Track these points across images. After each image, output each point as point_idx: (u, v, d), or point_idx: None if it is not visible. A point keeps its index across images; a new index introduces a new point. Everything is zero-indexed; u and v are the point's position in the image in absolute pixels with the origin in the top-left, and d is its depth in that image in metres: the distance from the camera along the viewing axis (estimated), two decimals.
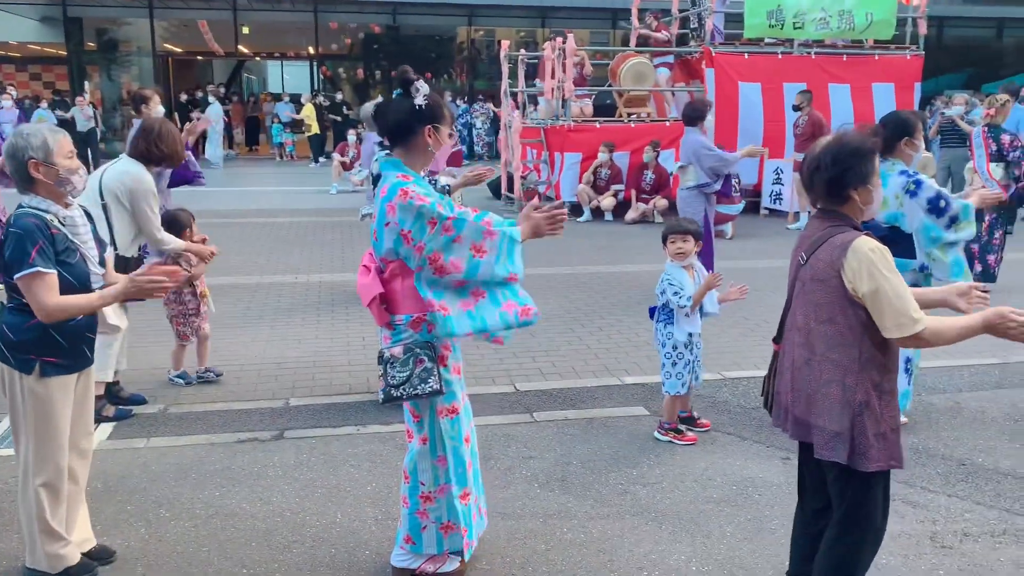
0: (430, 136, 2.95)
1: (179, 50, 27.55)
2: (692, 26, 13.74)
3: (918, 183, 4.36)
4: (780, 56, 12.63)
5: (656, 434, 4.58)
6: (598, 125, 12.92)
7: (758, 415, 4.91)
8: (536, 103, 14.32)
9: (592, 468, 4.22)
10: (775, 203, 12.38)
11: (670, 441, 4.51)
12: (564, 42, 12.45)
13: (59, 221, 2.95)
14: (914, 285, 4.51)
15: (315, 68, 26.62)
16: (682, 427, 4.58)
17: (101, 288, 3.06)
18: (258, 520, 3.69)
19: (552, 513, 3.76)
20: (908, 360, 4.60)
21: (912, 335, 2.45)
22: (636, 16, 14.87)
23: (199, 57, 28.72)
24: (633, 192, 12.29)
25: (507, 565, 3.34)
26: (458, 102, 22.38)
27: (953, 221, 4.34)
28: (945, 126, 11.84)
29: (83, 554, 3.23)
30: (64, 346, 2.99)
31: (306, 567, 3.33)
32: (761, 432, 4.66)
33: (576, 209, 12.45)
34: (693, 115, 7.68)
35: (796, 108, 11.37)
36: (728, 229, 10.81)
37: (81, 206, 3.15)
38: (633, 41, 14.80)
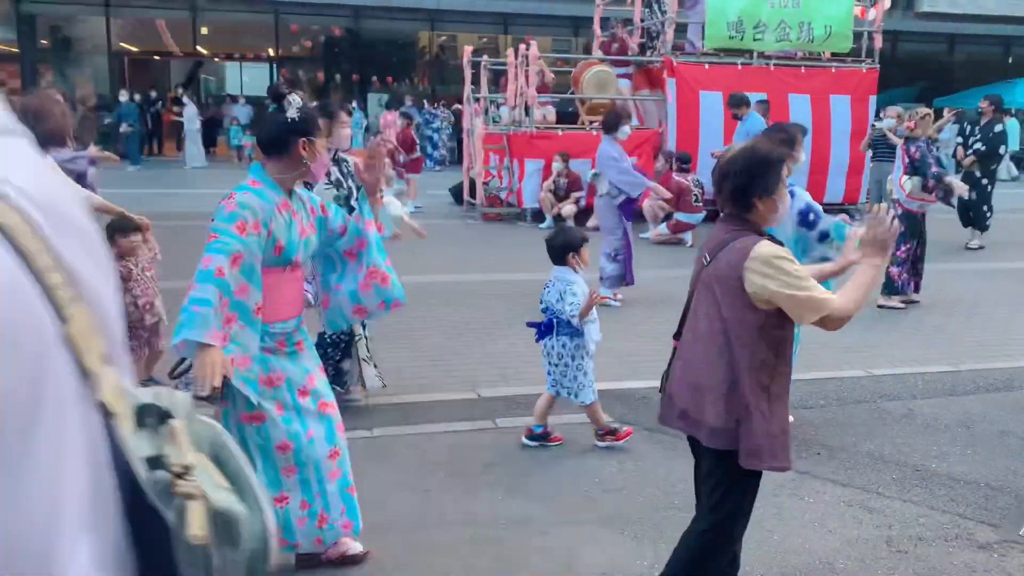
0: (304, 149, 3.03)
1: (135, 49, 27.09)
2: (653, 35, 13.87)
3: (791, 194, 4.46)
4: (740, 67, 12.82)
5: (596, 444, 4.55)
6: (560, 132, 12.97)
7: None
8: (497, 108, 14.36)
9: (555, 475, 4.23)
10: None
11: (609, 446, 4.51)
12: (527, 49, 12.50)
13: None
14: None
15: (275, 70, 26.37)
16: (615, 425, 4.59)
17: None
18: None
19: (515, 520, 3.76)
20: None
21: (826, 315, 2.56)
22: (598, 24, 14.98)
23: (156, 57, 28.27)
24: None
25: (470, 572, 3.33)
26: (423, 108, 22.26)
27: (824, 236, 4.41)
28: (877, 140, 11.65)
29: None
30: None
31: None
32: None
33: (538, 215, 12.48)
34: (608, 123, 7.74)
35: (621, 121, 11.04)
36: (688, 237, 10.92)
37: None
38: (595, 50, 14.90)
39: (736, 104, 10.27)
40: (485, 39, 26.07)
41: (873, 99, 13.28)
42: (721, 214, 2.83)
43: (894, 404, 5.31)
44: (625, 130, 7.64)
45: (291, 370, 3.12)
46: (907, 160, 7.86)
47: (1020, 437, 4.81)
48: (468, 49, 14.66)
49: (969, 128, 11.19)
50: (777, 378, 2.66)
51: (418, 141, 15.72)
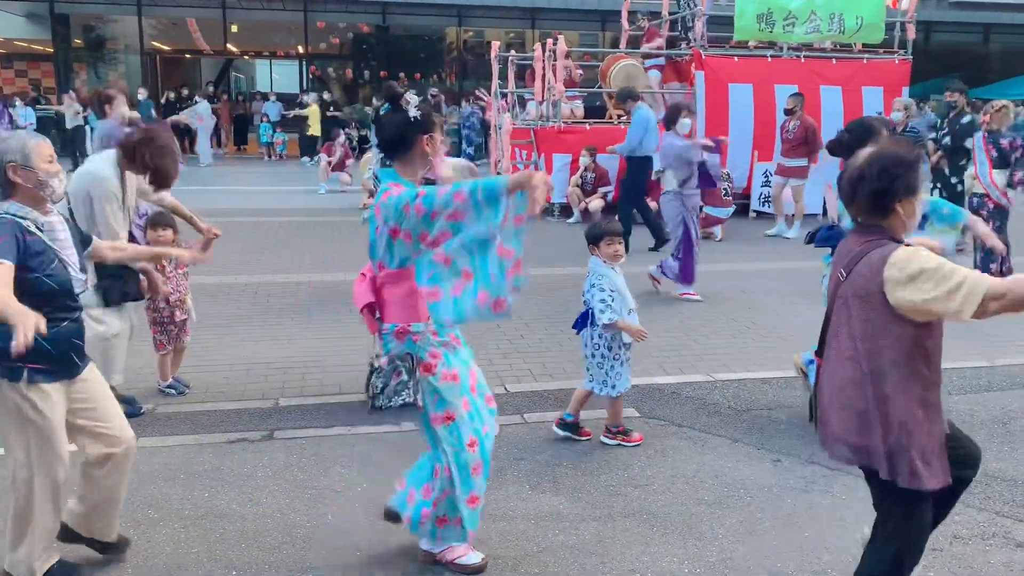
0: (427, 145, 3.09)
1: (167, 48, 27.43)
2: (683, 28, 13.76)
3: None
4: (770, 59, 12.67)
5: (603, 439, 4.53)
6: (588, 127, 12.91)
7: (749, 417, 4.92)
8: (524, 105, 14.33)
9: (583, 470, 4.21)
10: (764, 206, 12.41)
11: (619, 444, 4.48)
12: (555, 44, 12.46)
13: (37, 227, 2.93)
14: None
15: (304, 67, 26.55)
16: (629, 428, 4.56)
17: (82, 294, 3.07)
18: (248, 521, 3.66)
19: (543, 515, 3.75)
20: None
21: (981, 305, 2.28)
22: (626, 18, 14.90)
23: (187, 55, 28.61)
24: None
25: (499, 567, 3.33)
26: (459, 104, 22.03)
27: (921, 220, 4.37)
28: None
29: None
30: (52, 353, 2.94)
31: (296, 568, 3.31)
32: (752, 434, 4.66)
33: (566, 210, 12.44)
34: (669, 118, 7.72)
35: (788, 112, 11.24)
36: (718, 232, 10.83)
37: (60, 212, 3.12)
38: (623, 43, 14.82)
39: (623, 99, 10.34)
40: (512, 34, 26.06)
41: (906, 90, 13.05)
42: (855, 223, 2.67)
43: None
44: (685, 123, 7.64)
45: (460, 364, 3.19)
46: (995, 153, 7.78)
47: None
48: (496, 44, 14.66)
49: (939, 122, 10.56)
50: (932, 388, 2.52)
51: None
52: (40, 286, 2.88)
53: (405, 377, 3.01)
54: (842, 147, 4.69)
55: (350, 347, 6.15)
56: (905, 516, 2.60)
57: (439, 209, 2.88)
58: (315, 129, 20.91)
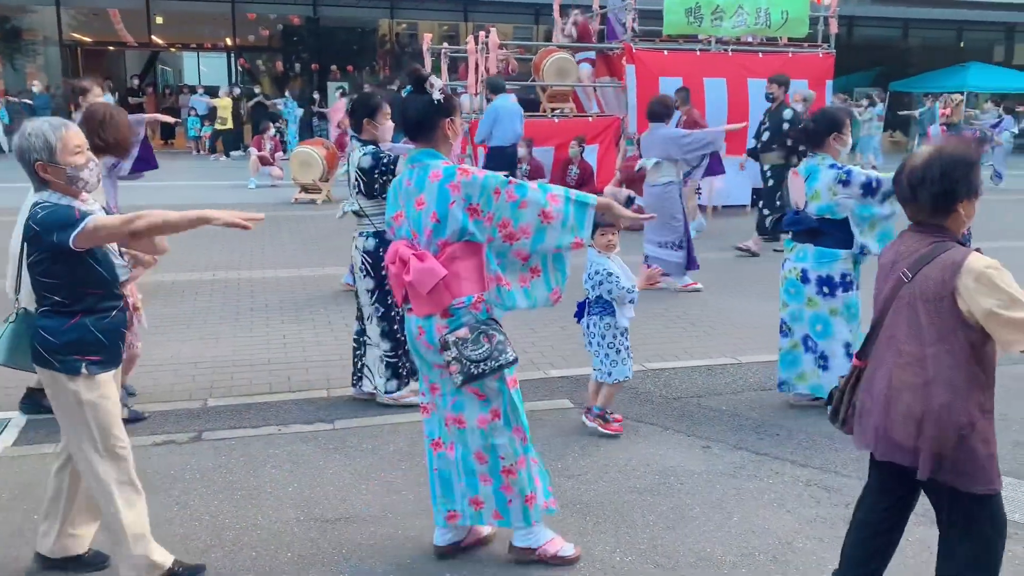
0: (449, 128, 3.14)
1: (88, 40, 26.53)
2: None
3: (848, 172, 4.61)
4: (699, 53, 12.87)
5: (584, 419, 4.59)
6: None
7: (679, 405, 5.00)
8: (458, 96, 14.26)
9: None
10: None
11: (596, 427, 4.53)
12: (487, 36, 12.43)
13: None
14: (844, 274, 4.68)
15: (233, 60, 25.99)
16: (610, 418, 4.61)
17: (125, 281, 3.06)
18: (175, 525, 3.58)
19: None
20: (851, 345, 4.74)
21: None
22: (558, 12, 14.95)
23: (110, 47, 27.72)
24: None
25: (431, 560, 3.32)
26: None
27: (886, 196, 4.54)
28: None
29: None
30: (105, 343, 2.92)
31: (225, 572, 3.25)
32: (682, 422, 4.74)
33: None
34: (661, 111, 7.71)
35: (675, 108, 10.41)
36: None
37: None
38: (555, 37, 14.87)
39: (491, 90, 10.71)
40: (446, 27, 25.93)
41: (830, 84, 13.40)
42: (912, 223, 2.62)
43: None
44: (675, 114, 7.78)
45: None
46: None
47: None
48: (428, 37, 14.56)
49: (762, 116, 9.90)
50: (989, 393, 2.51)
51: None
52: (92, 274, 2.85)
53: (500, 336, 3.06)
54: (808, 136, 4.81)
55: (280, 345, 6.06)
56: (975, 520, 2.56)
57: (531, 201, 3.03)
58: (229, 123, 20.62)
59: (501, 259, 3.11)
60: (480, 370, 3.00)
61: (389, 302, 4.75)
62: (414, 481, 3.98)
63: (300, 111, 21.67)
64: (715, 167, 7.86)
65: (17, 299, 3.03)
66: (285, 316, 6.80)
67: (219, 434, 4.51)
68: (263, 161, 15.32)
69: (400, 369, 4.85)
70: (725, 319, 6.88)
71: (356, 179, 4.77)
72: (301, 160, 13.60)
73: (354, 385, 5.01)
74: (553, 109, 13.27)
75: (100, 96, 5.83)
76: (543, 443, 4.43)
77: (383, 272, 4.69)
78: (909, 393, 2.53)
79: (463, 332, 3.02)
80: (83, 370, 2.87)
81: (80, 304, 2.88)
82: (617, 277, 4.39)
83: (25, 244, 2.88)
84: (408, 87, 3.15)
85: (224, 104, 20.54)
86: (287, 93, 22.43)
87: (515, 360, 3.09)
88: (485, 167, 10.20)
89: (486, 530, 3.41)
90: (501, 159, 10.17)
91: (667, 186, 7.67)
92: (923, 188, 2.50)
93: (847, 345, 4.71)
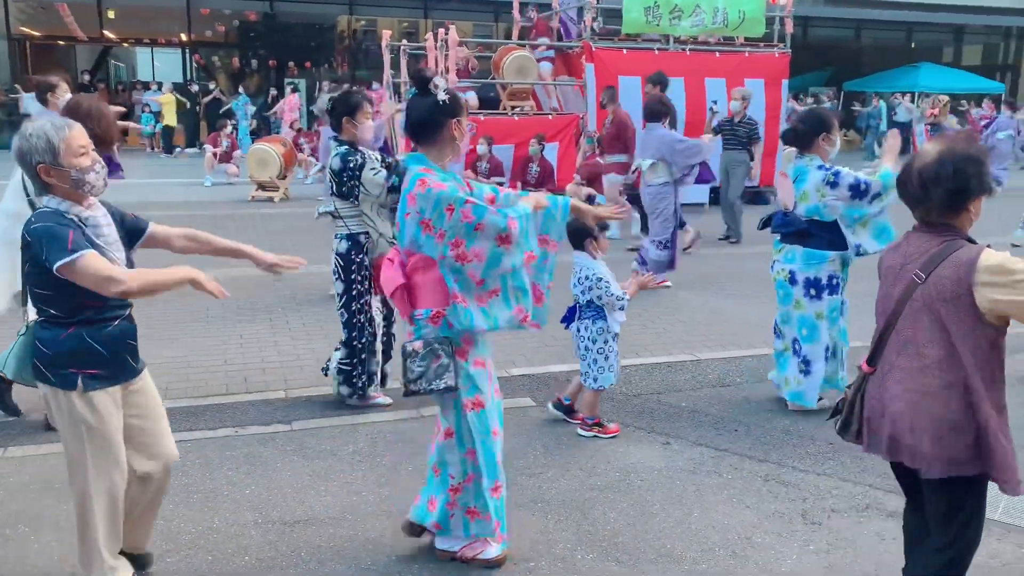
0: (456, 129, 3.09)
1: (37, 34, 25.88)
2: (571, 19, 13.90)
3: (836, 174, 4.60)
4: (657, 52, 12.95)
5: (580, 432, 4.55)
6: (482, 118, 12.89)
7: (639, 402, 5.02)
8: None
9: None
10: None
11: (595, 436, 4.51)
12: (446, 33, 12.38)
13: (79, 222, 2.69)
14: (832, 276, 4.72)
15: (188, 56, 25.54)
16: (606, 421, 4.60)
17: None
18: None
19: None
20: (832, 347, 4.81)
21: None
22: (517, 9, 14.94)
23: (60, 42, 27.06)
24: (518, 185, 12.34)
25: (391, 562, 3.29)
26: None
27: (876, 197, 4.57)
28: (724, 127, 10.32)
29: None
30: (104, 356, 2.76)
31: None
32: (642, 418, 4.77)
33: None
34: (659, 110, 7.70)
35: (602, 107, 10.60)
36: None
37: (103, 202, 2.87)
38: (515, 35, 14.87)
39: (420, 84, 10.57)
40: (406, 24, 25.76)
41: (785, 83, 13.59)
42: (920, 223, 2.59)
43: None
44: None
45: (487, 353, 3.21)
46: None
47: None
48: (387, 33, 14.46)
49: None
50: (1002, 391, 2.50)
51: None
52: (87, 288, 2.67)
53: (446, 360, 3.01)
54: (797, 137, 4.80)
55: (236, 346, 5.97)
56: (971, 516, 2.57)
57: (488, 225, 2.91)
58: (170, 119, 20.37)
59: (457, 276, 2.98)
60: (415, 388, 3.03)
61: (353, 308, 4.69)
62: (374, 482, 3.95)
63: (252, 108, 21.40)
64: (706, 175, 7.94)
65: (25, 310, 2.89)
66: (242, 316, 6.70)
67: (175, 436, 4.41)
68: (221, 159, 15.11)
69: (354, 378, 4.79)
70: (685, 316, 6.94)
71: (330, 180, 4.71)
72: (258, 158, 13.43)
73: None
74: (513, 107, 13.26)
75: (67, 93, 5.66)
76: (504, 442, 4.41)
77: (353, 276, 4.64)
78: (929, 399, 2.48)
79: (418, 345, 3.03)
80: (79, 384, 2.72)
81: (77, 315, 2.73)
82: (607, 283, 4.36)
83: (22, 251, 2.73)
84: (413, 89, 3.14)
85: (167, 100, 20.26)
86: (240, 90, 22.10)
87: (449, 388, 3.02)
88: None
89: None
90: None
91: (663, 186, 7.78)
92: (937, 186, 2.47)
93: (827, 348, 4.78)
